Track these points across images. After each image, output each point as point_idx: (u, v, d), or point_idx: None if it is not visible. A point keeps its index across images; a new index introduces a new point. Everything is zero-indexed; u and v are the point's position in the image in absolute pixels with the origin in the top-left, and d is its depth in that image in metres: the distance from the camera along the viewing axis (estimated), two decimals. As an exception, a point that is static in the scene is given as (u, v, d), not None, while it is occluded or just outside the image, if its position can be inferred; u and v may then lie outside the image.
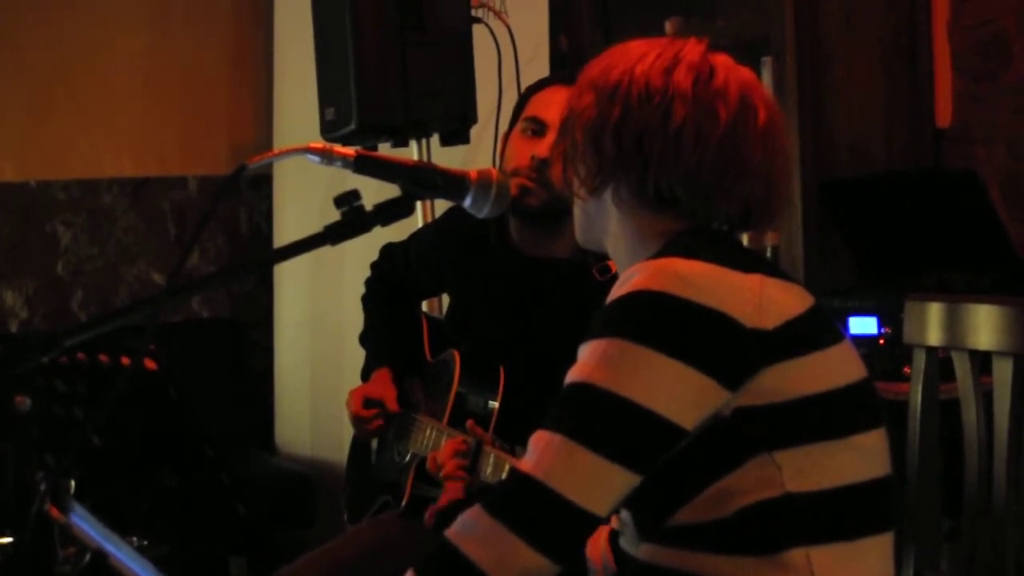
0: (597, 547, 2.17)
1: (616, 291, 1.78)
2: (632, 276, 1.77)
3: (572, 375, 1.77)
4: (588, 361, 1.75)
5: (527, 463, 1.74)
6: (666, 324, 1.73)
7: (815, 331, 1.80)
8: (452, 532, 1.75)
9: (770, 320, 1.75)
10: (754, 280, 1.77)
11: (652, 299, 1.74)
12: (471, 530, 1.74)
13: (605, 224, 1.96)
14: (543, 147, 2.75)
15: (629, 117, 1.86)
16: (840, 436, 1.79)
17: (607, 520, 1.77)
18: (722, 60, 1.91)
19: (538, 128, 2.80)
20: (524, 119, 2.83)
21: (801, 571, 1.75)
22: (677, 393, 1.72)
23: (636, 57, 1.90)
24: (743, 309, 1.74)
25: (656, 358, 1.71)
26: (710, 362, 1.72)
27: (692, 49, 1.90)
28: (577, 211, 2.02)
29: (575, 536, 1.73)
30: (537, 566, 1.70)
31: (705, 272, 1.76)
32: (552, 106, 2.75)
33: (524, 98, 2.90)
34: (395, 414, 3.02)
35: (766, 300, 1.76)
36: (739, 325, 1.73)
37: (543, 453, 1.73)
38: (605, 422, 1.72)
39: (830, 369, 1.80)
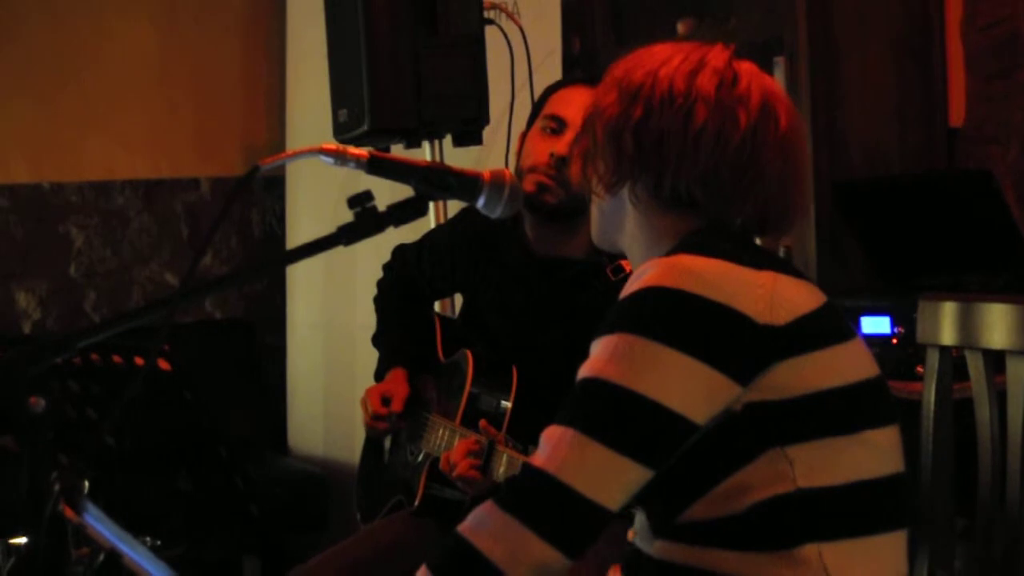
0: None
1: (628, 287, 1.79)
2: (644, 272, 1.78)
3: (584, 370, 1.78)
4: (600, 356, 1.76)
5: (539, 458, 1.75)
6: (677, 320, 1.74)
7: (827, 328, 1.81)
8: (465, 527, 1.76)
9: (781, 316, 1.75)
10: (766, 277, 1.78)
11: (663, 295, 1.75)
12: (484, 525, 1.75)
13: (621, 223, 1.97)
14: (562, 144, 2.76)
15: (650, 117, 1.87)
16: (852, 432, 1.79)
17: (618, 514, 1.77)
18: (747, 67, 1.92)
19: (557, 126, 2.80)
20: (544, 116, 2.84)
21: (813, 567, 1.76)
22: (688, 388, 1.72)
23: (662, 59, 1.91)
24: (754, 305, 1.75)
25: (667, 353, 1.72)
26: (721, 357, 1.73)
27: (718, 55, 1.91)
28: (594, 210, 2.03)
29: (587, 530, 1.73)
30: (550, 560, 1.71)
31: (716, 268, 1.77)
32: (572, 105, 2.76)
33: (544, 96, 2.91)
34: (406, 414, 3.02)
35: (778, 296, 1.77)
36: (750, 321, 1.74)
37: (555, 448, 1.74)
38: (617, 417, 1.73)
39: (842, 365, 1.81)
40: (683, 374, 1.72)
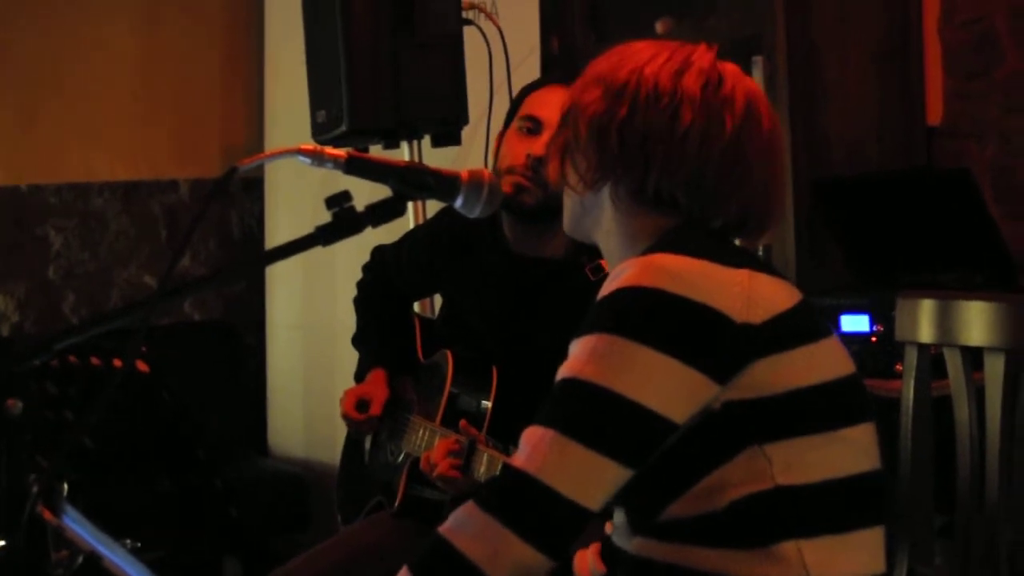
0: (585, 563, 2.16)
1: (606, 287, 1.79)
2: (622, 272, 1.78)
3: (563, 371, 1.78)
4: (579, 357, 1.76)
5: (519, 458, 1.75)
6: (655, 319, 1.73)
7: (803, 326, 1.81)
8: (446, 528, 1.76)
9: (758, 314, 1.76)
10: (742, 275, 1.78)
11: (641, 295, 1.75)
12: (465, 526, 1.74)
13: (598, 219, 1.97)
14: (539, 145, 2.75)
15: (636, 116, 1.86)
16: (829, 429, 1.80)
17: (599, 514, 1.77)
18: (731, 69, 1.92)
19: (534, 126, 2.79)
20: (520, 117, 2.83)
21: (792, 564, 1.76)
22: (667, 387, 1.72)
23: (646, 58, 1.90)
24: (731, 304, 1.75)
25: (646, 353, 1.72)
26: (699, 356, 1.73)
27: (702, 55, 1.91)
28: (569, 201, 2.01)
29: (568, 530, 1.73)
30: (531, 560, 1.71)
31: (693, 267, 1.77)
32: (548, 105, 2.75)
33: (520, 97, 2.90)
34: (386, 415, 3.02)
35: (754, 295, 1.77)
36: (728, 320, 1.74)
37: (535, 448, 1.74)
38: (596, 417, 1.73)
39: (819, 363, 1.81)
40: (661, 373, 1.72)
